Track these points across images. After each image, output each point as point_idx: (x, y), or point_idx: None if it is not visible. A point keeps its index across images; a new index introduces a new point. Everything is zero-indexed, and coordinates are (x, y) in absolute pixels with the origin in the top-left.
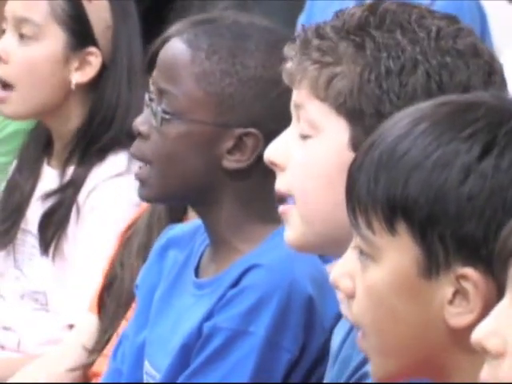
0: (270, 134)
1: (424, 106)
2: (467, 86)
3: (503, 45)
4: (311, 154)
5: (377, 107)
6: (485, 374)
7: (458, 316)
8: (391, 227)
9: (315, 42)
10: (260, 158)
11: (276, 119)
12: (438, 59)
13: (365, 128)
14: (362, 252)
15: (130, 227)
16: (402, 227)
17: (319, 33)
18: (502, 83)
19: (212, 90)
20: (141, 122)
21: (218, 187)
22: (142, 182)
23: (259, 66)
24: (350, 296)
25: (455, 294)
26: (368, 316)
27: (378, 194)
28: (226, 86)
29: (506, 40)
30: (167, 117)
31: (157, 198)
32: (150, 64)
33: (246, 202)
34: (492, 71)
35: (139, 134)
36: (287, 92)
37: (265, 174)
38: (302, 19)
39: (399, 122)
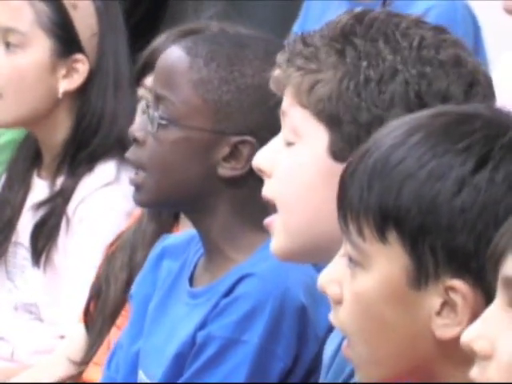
0: (266, 143)
1: (420, 115)
2: (446, 95)
3: (497, 52)
4: (293, 161)
5: (354, 115)
6: (475, 373)
7: (444, 328)
8: (382, 235)
9: (300, 49)
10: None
11: (272, 128)
12: (418, 68)
13: (342, 135)
14: (351, 259)
15: (115, 241)
16: (392, 236)
17: (304, 40)
18: (487, 95)
19: (210, 97)
20: (137, 129)
21: (213, 194)
22: (138, 187)
23: (257, 75)
24: (337, 302)
25: (443, 305)
26: (355, 323)
27: (371, 202)
28: (224, 93)
29: (500, 47)
30: (164, 122)
31: (152, 203)
32: (140, 73)
33: (240, 210)
34: (474, 82)
35: (135, 140)
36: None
37: (259, 182)
38: (296, 27)
39: (394, 130)
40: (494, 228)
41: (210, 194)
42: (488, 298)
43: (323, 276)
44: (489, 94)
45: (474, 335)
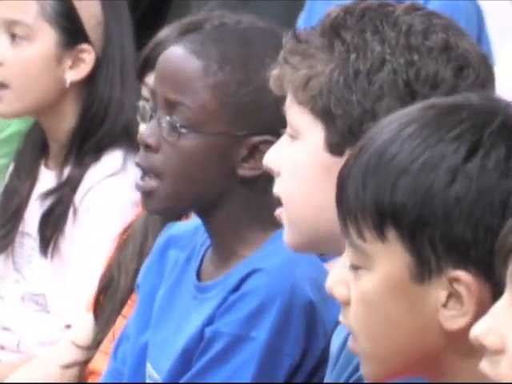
0: None
1: (411, 109)
2: (435, 80)
3: (502, 43)
4: (294, 157)
5: (346, 108)
6: (485, 366)
7: (452, 319)
8: (381, 234)
9: (293, 46)
10: None
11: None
12: (406, 57)
13: (336, 129)
14: (353, 261)
15: (127, 229)
16: (391, 233)
17: (297, 37)
18: (480, 76)
19: (228, 101)
20: (148, 134)
21: (229, 193)
22: (148, 194)
23: (268, 72)
24: (346, 303)
25: (449, 297)
26: (363, 323)
27: (367, 201)
28: (242, 95)
29: (505, 38)
30: (183, 131)
31: (167, 210)
32: (143, 66)
33: (251, 208)
34: (465, 64)
35: (147, 146)
36: (283, 99)
37: (269, 179)
38: (301, 20)
39: (387, 126)
40: (491, 215)
41: (226, 193)
42: (494, 287)
43: (330, 278)
44: (483, 73)
45: (483, 330)
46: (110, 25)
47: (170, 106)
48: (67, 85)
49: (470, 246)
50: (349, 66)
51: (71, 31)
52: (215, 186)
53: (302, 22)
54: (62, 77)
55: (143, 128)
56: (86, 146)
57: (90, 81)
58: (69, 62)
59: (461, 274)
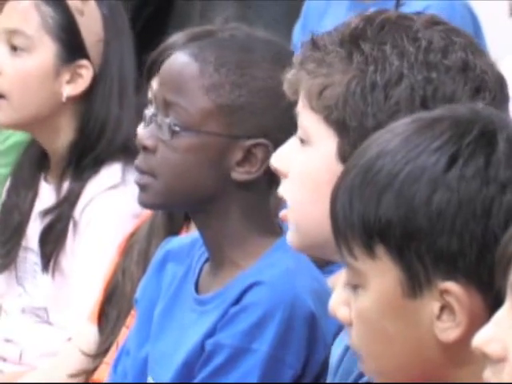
0: (280, 145)
1: (397, 124)
2: (452, 100)
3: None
4: (304, 163)
5: (360, 120)
6: (488, 375)
7: (447, 330)
8: (371, 251)
9: (310, 52)
10: (266, 169)
11: (285, 130)
12: (424, 74)
13: (350, 141)
14: (349, 283)
15: (131, 235)
16: (380, 250)
17: (315, 43)
18: (496, 97)
19: (222, 102)
20: (146, 137)
21: (225, 198)
22: (143, 187)
23: (267, 77)
24: (349, 324)
25: (442, 309)
26: (362, 341)
27: (354, 219)
28: (236, 97)
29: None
30: (177, 129)
31: (159, 206)
32: (148, 73)
33: (249, 215)
34: (482, 87)
35: (145, 148)
36: (295, 103)
37: (269, 185)
38: (297, 27)
39: (373, 142)
40: (475, 224)
41: (221, 197)
42: (487, 296)
43: (333, 300)
44: (499, 95)
45: (485, 339)
46: (111, 42)
47: (168, 107)
48: (64, 99)
49: (456, 256)
50: (366, 77)
51: (71, 46)
52: (209, 187)
53: (298, 27)
54: (59, 91)
55: (142, 131)
56: (84, 160)
57: (87, 97)
58: (66, 77)
59: (450, 285)
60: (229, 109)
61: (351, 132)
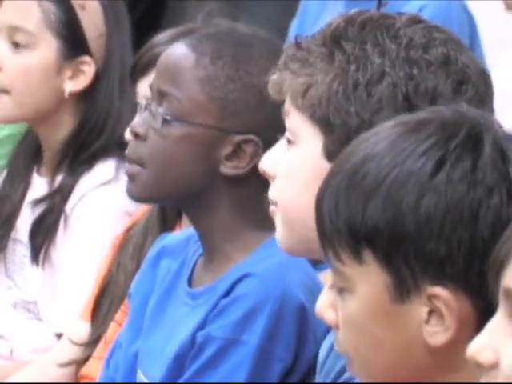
0: (269, 142)
1: (380, 128)
2: (434, 95)
3: (494, 50)
4: (291, 161)
5: (344, 119)
6: (483, 382)
7: (435, 335)
8: (358, 256)
9: (294, 52)
10: (257, 166)
11: (276, 127)
12: (406, 70)
13: (334, 139)
14: (336, 287)
15: (128, 230)
16: (367, 255)
17: (298, 44)
18: (479, 91)
19: (215, 95)
20: (138, 124)
21: (214, 192)
22: (132, 178)
23: (262, 74)
24: (336, 327)
25: (430, 313)
26: (350, 345)
27: (340, 224)
28: (230, 91)
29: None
30: (168, 118)
31: (148, 197)
32: (133, 72)
33: (240, 210)
34: (465, 80)
35: (136, 135)
36: (283, 103)
37: (259, 181)
38: (293, 27)
39: (357, 147)
40: (462, 228)
41: (210, 191)
42: (476, 301)
43: (319, 302)
44: (482, 88)
45: (478, 347)
46: (112, 36)
47: (162, 97)
48: (66, 95)
49: (444, 261)
50: (348, 76)
51: (73, 42)
52: (196, 180)
53: (294, 26)
54: (61, 87)
55: (135, 119)
56: (80, 155)
57: (88, 93)
58: (68, 73)
59: (438, 290)
60: (221, 102)
61: (336, 130)
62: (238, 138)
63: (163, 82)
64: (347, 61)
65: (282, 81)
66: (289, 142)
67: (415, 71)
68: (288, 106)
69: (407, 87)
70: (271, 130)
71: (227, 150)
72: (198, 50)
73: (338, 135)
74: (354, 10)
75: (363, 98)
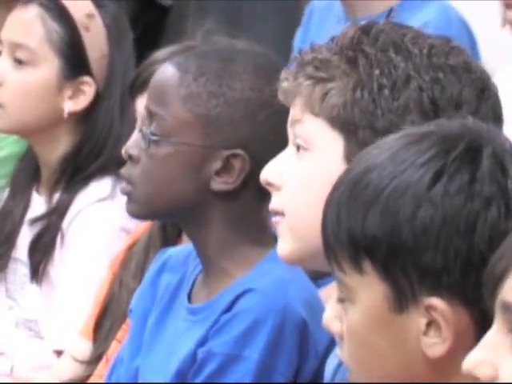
0: (258, 156)
1: (386, 140)
2: (459, 100)
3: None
4: (306, 169)
5: (370, 120)
6: None
7: (433, 346)
8: (358, 266)
9: (309, 58)
10: (248, 180)
11: (263, 141)
12: (431, 74)
13: (358, 142)
14: (340, 294)
15: (130, 248)
16: (367, 265)
17: (314, 49)
18: (497, 101)
19: (199, 112)
20: (131, 146)
21: (207, 208)
22: (127, 196)
23: (246, 88)
24: (341, 338)
25: (429, 324)
26: (352, 355)
27: (342, 234)
28: (213, 107)
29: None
30: (154, 138)
31: (143, 215)
32: (133, 88)
33: (236, 225)
34: (485, 87)
35: (130, 157)
36: (275, 114)
37: (255, 196)
38: (298, 36)
39: (361, 157)
40: (459, 240)
41: (203, 207)
42: (473, 312)
43: (326, 314)
44: (498, 100)
45: (475, 362)
46: (114, 58)
47: (151, 117)
48: (65, 115)
49: (441, 272)
50: (373, 80)
51: (75, 61)
52: (188, 197)
53: (298, 38)
54: (60, 106)
55: (130, 141)
56: (78, 175)
57: (88, 112)
58: (69, 93)
59: (434, 300)
60: (205, 119)
61: (360, 133)
62: (225, 153)
63: (151, 103)
64: (370, 65)
65: (294, 87)
66: (299, 149)
67: (440, 75)
68: (300, 113)
69: (433, 91)
70: (258, 145)
71: (216, 165)
72: (183, 69)
73: (362, 138)
74: (362, 22)
75: (389, 101)
